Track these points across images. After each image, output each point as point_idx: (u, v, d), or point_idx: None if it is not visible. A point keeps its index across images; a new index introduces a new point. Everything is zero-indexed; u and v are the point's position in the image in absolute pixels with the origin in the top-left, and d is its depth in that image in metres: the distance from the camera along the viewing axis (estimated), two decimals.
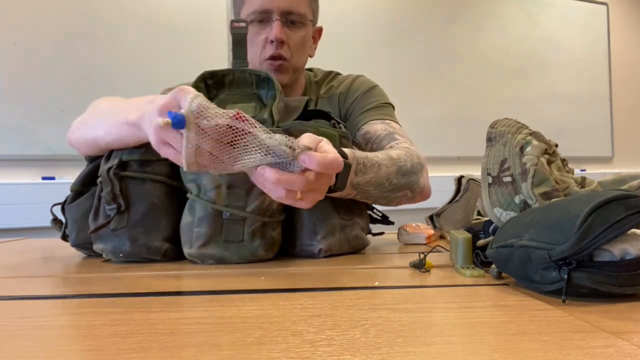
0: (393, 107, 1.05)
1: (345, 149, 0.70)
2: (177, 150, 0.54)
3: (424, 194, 0.88)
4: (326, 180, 0.58)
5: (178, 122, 0.51)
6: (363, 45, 2.60)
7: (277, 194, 0.55)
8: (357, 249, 0.79)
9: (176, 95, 0.54)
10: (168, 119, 0.51)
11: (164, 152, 0.57)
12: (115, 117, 0.70)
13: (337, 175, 0.65)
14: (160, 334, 0.35)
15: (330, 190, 0.66)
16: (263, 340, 0.34)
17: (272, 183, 0.54)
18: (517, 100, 2.97)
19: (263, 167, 0.53)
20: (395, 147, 0.88)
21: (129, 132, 0.67)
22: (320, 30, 1.08)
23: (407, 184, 0.82)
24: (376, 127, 0.95)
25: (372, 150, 0.93)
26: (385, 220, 0.91)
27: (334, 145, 0.59)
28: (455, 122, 2.80)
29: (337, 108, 1.05)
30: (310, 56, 1.05)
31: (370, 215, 0.89)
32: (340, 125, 0.80)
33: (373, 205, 0.92)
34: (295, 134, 0.73)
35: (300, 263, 0.69)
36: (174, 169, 0.73)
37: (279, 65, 0.95)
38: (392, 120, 0.99)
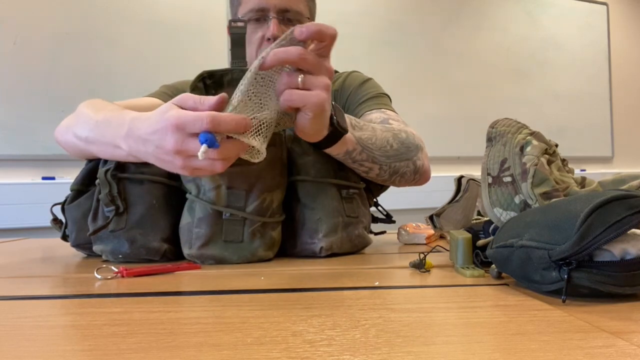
0: (389, 98, 1.05)
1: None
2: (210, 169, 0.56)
3: (426, 173, 0.86)
4: (322, 67, 0.60)
5: (211, 140, 0.52)
6: (363, 45, 2.60)
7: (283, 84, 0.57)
8: (359, 248, 0.79)
9: (178, 129, 0.54)
10: (204, 147, 0.52)
11: (198, 173, 0.58)
12: (105, 137, 0.67)
13: (336, 115, 0.66)
14: (160, 334, 0.35)
15: (334, 133, 0.67)
16: (263, 340, 0.34)
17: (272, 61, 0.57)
18: (517, 100, 2.97)
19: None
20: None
21: (126, 158, 0.66)
22: None
23: (407, 152, 0.80)
24: (372, 116, 0.95)
25: None
26: (388, 218, 0.91)
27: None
28: (455, 122, 2.80)
29: None
30: None
31: (372, 215, 0.89)
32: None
33: (378, 203, 0.92)
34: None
35: (300, 263, 0.69)
36: None
37: None
38: (387, 109, 0.98)
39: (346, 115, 0.71)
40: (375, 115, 0.94)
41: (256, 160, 0.57)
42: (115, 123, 0.66)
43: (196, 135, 0.53)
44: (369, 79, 1.07)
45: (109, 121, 0.67)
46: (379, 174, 0.78)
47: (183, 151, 0.54)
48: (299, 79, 0.57)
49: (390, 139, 0.78)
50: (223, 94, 0.55)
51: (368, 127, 0.75)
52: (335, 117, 0.66)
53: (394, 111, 0.99)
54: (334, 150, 0.70)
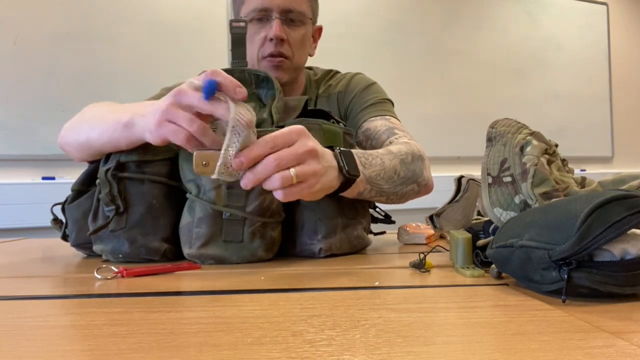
0: (392, 103, 1.05)
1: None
2: (182, 127, 0.56)
3: (428, 187, 0.88)
4: (308, 155, 0.58)
5: (211, 85, 0.52)
6: (363, 44, 2.60)
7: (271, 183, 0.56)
8: (358, 248, 0.79)
9: (179, 92, 0.56)
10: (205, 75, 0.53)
11: (167, 129, 0.57)
12: (107, 120, 0.70)
13: (346, 165, 0.66)
14: (160, 334, 0.35)
15: (348, 181, 0.67)
16: (263, 340, 0.34)
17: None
18: (517, 100, 2.97)
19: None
20: (394, 142, 0.88)
21: (122, 133, 0.67)
22: (320, 29, 1.08)
23: (413, 176, 0.81)
24: (376, 123, 0.95)
25: (372, 146, 0.93)
26: (387, 219, 0.91)
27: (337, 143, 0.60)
28: (455, 122, 2.80)
29: (336, 107, 1.05)
30: (310, 55, 1.05)
31: (371, 215, 0.89)
32: (341, 123, 0.80)
33: (376, 204, 0.92)
34: None
35: (300, 263, 0.69)
36: (173, 169, 0.73)
37: (279, 62, 0.95)
38: (391, 116, 0.99)
39: (355, 154, 0.71)
40: (380, 122, 0.95)
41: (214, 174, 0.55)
42: (132, 105, 0.69)
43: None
44: (373, 83, 1.07)
45: (128, 106, 0.70)
46: (386, 201, 0.81)
47: (181, 91, 0.56)
48: (292, 175, 0.57)
49: (397, 166, 0.78)
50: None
51: (377, 160, 0.75)
52: (345, 167, 0.66)
53: (396, 118, 0.99)
54: (347, 195, 0.71)
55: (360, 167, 0.70)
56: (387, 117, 0.98)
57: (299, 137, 0.59)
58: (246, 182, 0.56)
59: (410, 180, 0.81)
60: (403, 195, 0.81)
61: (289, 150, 0.57)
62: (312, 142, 0.60)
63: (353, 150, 0.72)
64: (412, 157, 0.82)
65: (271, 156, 0.55)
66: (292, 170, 0.56)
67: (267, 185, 0.56)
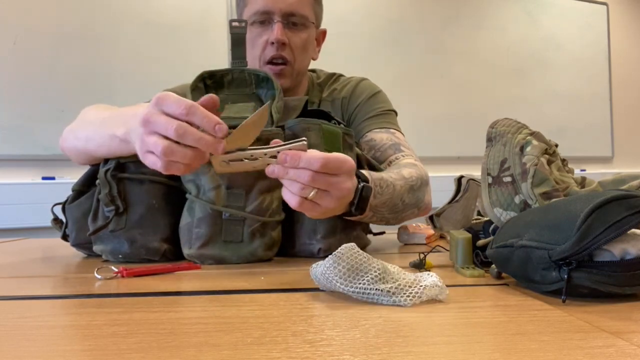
0: (396, 114, 1.05)
1: (362, 171, 0.71)
2: (159, 157, 0.56)
3: (427, 210, 0.89)
4: (336, 184, 0.59)
5: None
6: (363, 45, 2.60)
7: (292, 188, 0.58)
8: None
9: (156, 103, 0.56)
10: None
11: (149, 161, 0.58)
12: (104, 130, 0.69)
13: (358, 203, 0.66)
14: (160, 334, 0.35)
15: (350, 213, 0.68)
16: (263, 340, 0.34)
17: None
18: (517, 100, 2.96)
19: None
20: (403, 162, 0.88)
21: (119, 146, 0.67)
22: (324, 33, 1.07)
23: (415, 202, 0.82)
24: (381, 135, 0.95)
25: (374, 157, 0.93)
26: None
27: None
28: (455, 122, 2.80)
29: (340, 112, 1.05)
30: (314, 59, 1.04)
31: None
32: (342, 125, 0.80)
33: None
34: (298, 131, 0.73)
35: (300, 263, 0.69)
36: None
37: (280, 70, 0.95)
38: (396, 130, 0.99)
39: (371, 178, 0.70)
40: (385, 135, 0.95)
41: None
42: (122, 114, 0.68)
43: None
44: (379, 91, 1.06)
45: (119, 114, 0.69)
46: (386, 224, 0.82)
47: (149, 120, 0.56)
48: (311, 194, 0.58)
49: (404, 194, 0.79)
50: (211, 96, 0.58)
51: (389, 187, 0.75)
52: (355, 205, 0.66)
53: (400, 131, 1.00)
54: (348, 217, 0.72)
55: (370, 199, 0.70)
56: (392, 130, 0.98)
57: (345, 173, 0.60)
58: (272, 171, 0.57)
59: (413, 206, 0.82)
60: (402, 219, 0.83)
61: (328, 180, 0.58)
62: (350, 185, 0.62)
63: (373, 176, 0.72)
64: (420, 182, 0.83)
65: (310, 173, 0.56)
66: (314, 192, 0.58)
67: (287, 185, 0.58)
